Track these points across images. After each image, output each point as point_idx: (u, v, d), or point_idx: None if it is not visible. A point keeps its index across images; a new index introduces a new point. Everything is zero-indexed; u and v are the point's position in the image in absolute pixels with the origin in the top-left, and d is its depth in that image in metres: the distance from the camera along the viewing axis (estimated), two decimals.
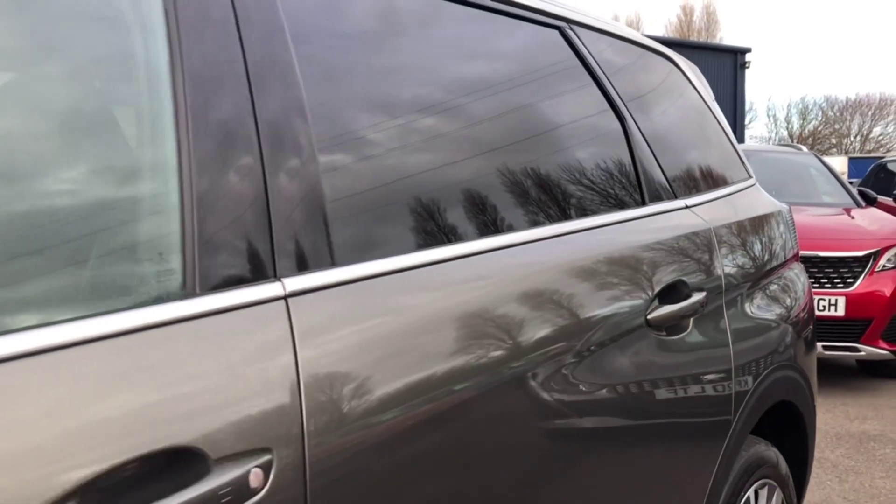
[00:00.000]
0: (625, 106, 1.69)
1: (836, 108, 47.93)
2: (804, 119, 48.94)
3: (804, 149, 7.51)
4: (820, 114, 48.43)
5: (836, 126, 47.76)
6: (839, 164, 32.19)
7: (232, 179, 0.91)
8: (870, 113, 46.65)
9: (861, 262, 5.17)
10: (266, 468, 0.83)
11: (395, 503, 0.98)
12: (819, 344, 4.52)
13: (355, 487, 0.93)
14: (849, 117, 47.49)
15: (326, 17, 1.14)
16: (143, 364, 0.78)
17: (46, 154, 0.83)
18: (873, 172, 9.86)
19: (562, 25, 1.62)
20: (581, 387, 1.29)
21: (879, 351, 5.11)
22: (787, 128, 49.61)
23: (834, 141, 47.52)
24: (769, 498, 1.95)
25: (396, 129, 1.17)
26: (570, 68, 1.61)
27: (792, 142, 48.01)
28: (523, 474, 1.18)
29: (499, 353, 1.14)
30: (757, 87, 76.78)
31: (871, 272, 5.16)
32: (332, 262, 0.98)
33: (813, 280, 5.04)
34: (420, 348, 1.04)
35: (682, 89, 2.11)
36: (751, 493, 1.86)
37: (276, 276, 0.92)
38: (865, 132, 46.84)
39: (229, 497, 0.79)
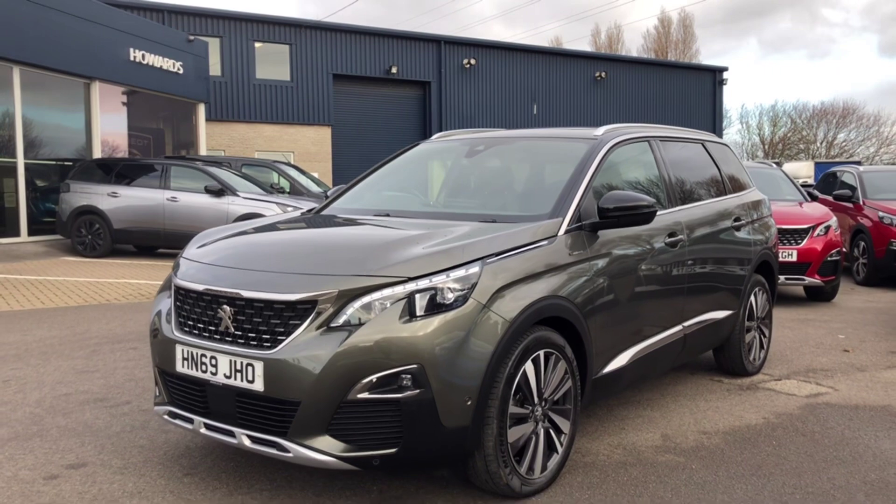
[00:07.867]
0: (718, 163, 5.54)
1: (803, 116, 51.02)
2: (775, 126, 51.97)
3: (774, 165, 11.45)
4: (789, 121, 51.56)
5: (804, 133, 50.82)
6: (806, 168, 34.44)
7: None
8: (834, 121, 49.80)
9: (806, 231, 9.02)
10: None
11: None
12: (782, 277, 8.44)
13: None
14: (815, 125, 50.39)
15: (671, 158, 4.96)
16: None
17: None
18: (825, 178, 13.58)
19: (703, 142, 5.49)
20: (712, 251, 5.09)
21: (816, 281, 9.01)
22: (759, 134, 52.30)
23: (802, 147, 50.40)
24: (761, 296, 5.77)
25: (673, 182, 4.97)
26: (703, 156, 5.46)
27: (763, 147, 51.41)
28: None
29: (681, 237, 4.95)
30: (731, 94, 79.99)
31: (811, 237, 9.03)
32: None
33: (781, 240, 8.88)
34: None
35: (729, 152, 5.97)
36: (756, 291, 5.67)
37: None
38: (830, 139, 49.83)
39: None
